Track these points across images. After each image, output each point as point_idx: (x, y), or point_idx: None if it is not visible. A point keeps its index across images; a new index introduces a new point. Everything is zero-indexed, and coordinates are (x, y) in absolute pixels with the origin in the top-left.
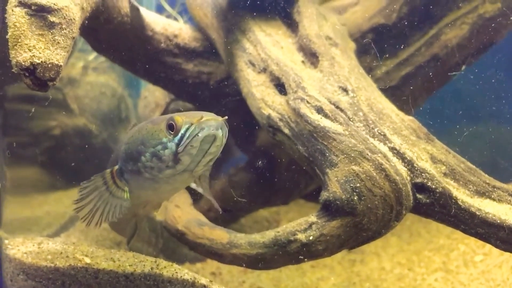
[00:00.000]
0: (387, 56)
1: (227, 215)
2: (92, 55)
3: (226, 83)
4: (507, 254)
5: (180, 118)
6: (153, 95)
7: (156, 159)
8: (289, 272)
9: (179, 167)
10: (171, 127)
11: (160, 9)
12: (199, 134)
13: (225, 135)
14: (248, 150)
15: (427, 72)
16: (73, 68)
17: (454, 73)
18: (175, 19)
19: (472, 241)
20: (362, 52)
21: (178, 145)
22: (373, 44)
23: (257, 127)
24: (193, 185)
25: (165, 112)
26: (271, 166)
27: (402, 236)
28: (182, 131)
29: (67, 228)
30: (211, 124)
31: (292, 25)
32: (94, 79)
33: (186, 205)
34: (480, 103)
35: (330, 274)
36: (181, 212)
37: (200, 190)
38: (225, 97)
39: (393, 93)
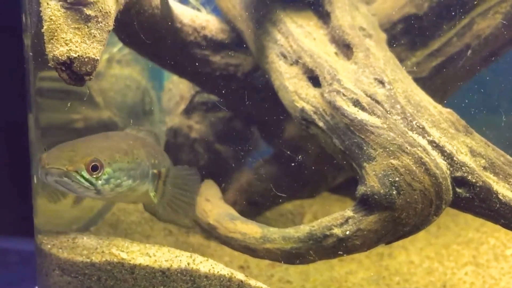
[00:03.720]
0: (418, 46)
1: (252, 208)
2: (116, 47)
3: (253, 75)
4: None
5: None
6: (177, 87)
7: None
8: (317, 266)
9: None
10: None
11: (183, 1)
12: (47, 178)
13: (79, 181)
14: (275, 143)
15: (459, 63)
16: None
17: None
18: (198, 10)
19: (502, 235)
20: (393, 43)
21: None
22: (404, 35)
23: (283, 120)
24: (152, 194)
25: (190, 104)
26: (295, 158)
27: (429, 230)
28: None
29: (96, 222)
30: (53, 173)
31: (323, 15)
32: (119, 71)
33: (216, 199)
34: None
35: (358, 268)
36: (211, 206)
37: (155, 200)
38: (253, 89)
39: (424, 84)
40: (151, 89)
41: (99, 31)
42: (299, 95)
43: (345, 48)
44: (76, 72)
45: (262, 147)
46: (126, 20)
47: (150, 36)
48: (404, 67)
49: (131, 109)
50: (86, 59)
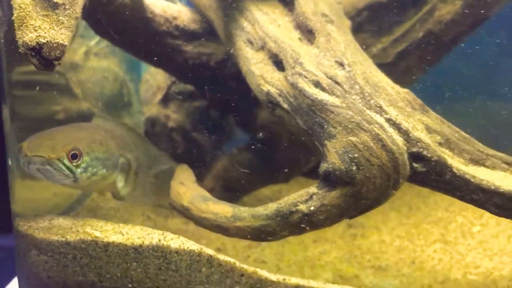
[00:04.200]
0: (383, 33)
1: (229, 194)
2: (94, 41)
3: (226, 63)
4: (504, 224)
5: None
6: (154, 78)
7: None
8: (292, 247)
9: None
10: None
11: None
12: (29, 167)
13: (61, 168)
14: (249, 130)
15: (422, 48)
16: (75, 53)
17: None
18: (173, 1)
19: (470, 213)
20: (358, 30)
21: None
22: (369, 22)
23: (256, 107)
24: (120, 185)
25: (167, 94)
26: (271, 144)
27: (401, 211)
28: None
29: (75, 208)
30: (35, 161)
31: (288, 3)
32: (96, 64)
33: (190, 182)
34: (479, 80)
35: (331, 248)
36: (185, 189)
37: (124, 191)
38: (226, 77)
39: (389, 69)
40: (129, 81)
41: (66, 18)
42: (265, 79)
43: (308, 33)
44: (45, 57)
45: (239, 134)
46: (98, 9)
47: (121, 26)
48: (370, 53)
49: (110, 100)
50: (54, 45)
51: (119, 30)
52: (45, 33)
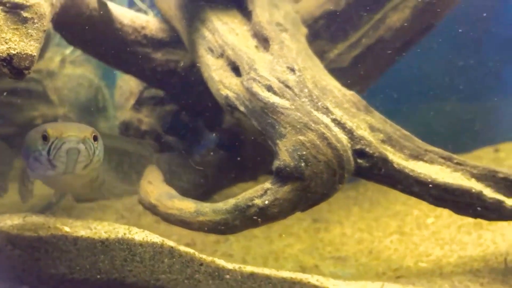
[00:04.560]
0: (338, 39)
1: (200, 193)
2: (69, 49)
3: (193, 70)
4: (455, 216)
5: (51, 131)
6: (127, 84)
7: (38, 162)
8: (258, 241)
9: (57, 170)
10: (45, 138)
11: (131, 4)
12: (63, 147)
13: (90, 148)
14: (217, 132)
15: (376, 53)
16: (51, 61)
17: None
18: (145, 12)
19: (425, 207)
20: (316, 37)
21: (49, 153)
22: (325, 29)
23: (222, 110)
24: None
25: (139, 99)
26: (238, 145)
27: (363, 206)
28: (50, 143)
29: (51, 208)
30: (72, 139)
31: (247, 13)
32: (72, 71)
33: (157, 181)
34: (443, 82)
35: (296, 241)
36: (153, 187)
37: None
38: (193, 83)
39: (346, 73)
40: (103, 87)
41: (35, 31)
42: (224, 84)
43: (264, 41)
44: (16, 67)
45: (209, 136)
46: (67, 21)
47: (91, 36)
48: (327, 58)
49: (85, 106)
50: (24, 55)
51: (89, 40)
52: (15, 45)
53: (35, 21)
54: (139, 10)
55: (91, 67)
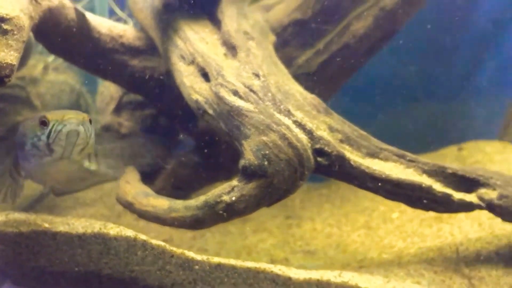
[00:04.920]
0: (306, 46)
1: (178, 193)
2: (52, 57)
3: (168, 75)
4: (419, 210)
5: (50, 116)
6: (108, 90)
7: (35, 148)
8: (232, 237)
9: (55, 155)
10: (43, 123)
11: (112, 13)
12: (63, 130)
13: (89, 130)
14: (192, 134)
15: (341, 59)
16: (34, 69)
17: None
18: (125, 21)
19: (391, 202)
20: (285, 44)
21: (48, 137)
22: (294, 36)
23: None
24: (86, 164)
25: (119, 104)
26: (212, 146)
27: (334, 203)
28: (50, 127)
29: (34, 207)
30: (72, 121)
31: (217, 23)
32: (54, 78)
33: (134, 181)
34: (416, 85)
35: (268, 237)
36: (130, 187)
37: (93, 167)
38: (168, 88)
39: (314, 77)
40: (85, 92)
41: (15, 42)
42: (194, 89)
43: (232, 49)
44: None
45: (185, 138)
46: (46, 31)
47: (69, 45)
48: (296, 64)
49: None
50: (4, 64)
51: (68, 49)
52: None
53: (15, 32)
54: (119, 19)
55: (73, 74)
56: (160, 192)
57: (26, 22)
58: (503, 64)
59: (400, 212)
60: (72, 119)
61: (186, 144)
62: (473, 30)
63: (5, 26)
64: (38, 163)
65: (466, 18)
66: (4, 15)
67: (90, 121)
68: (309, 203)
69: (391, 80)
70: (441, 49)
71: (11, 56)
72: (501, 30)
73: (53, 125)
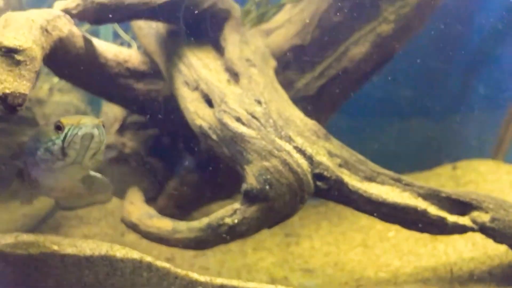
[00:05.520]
0: (305, 70)
1: (180, 211)
2: (57, 78)
3: (172, 98)
4: None
5: (65, 120)
6: (112, 110)
7: (49, 153)
8: (233, 255)
9: (68, 160)
10: (58, 128)
11: (116, 35)
12: (79, 133)
13: (102, 134)
14: (194, 154)
15: (339, 82)
16: (40, 89)
17: None
18: (129, 44)
19: None
20: (285, 68)
21: (64, 141)
22: (294, 61)
23: None
24: (92, 173)
25: (123, 124)
26: (214, 165)
27: (332, 220)
28: (65, 131)
29: (40, 227)
30: (88, 125)
31: (220, 49)
32: (59, 98)
33: (139, 202)
34: (412, 102)
35: (268, 255)
36: (134, 207)
37: (99, 175)
38: (172, 110)
39: (312, 101)
40: (90, 112)
41: (27, 72)
42: (198, 115)
43: (234, 75)
44: (10, 104)
45: (188, 158)
46: (56, 59)
47: (77, 71)
48: (295, 88)
49: None
50: (17, 94)
51: (76, 74)
52: (10, 85)
53: (28, 63)
54: (123, 41)
55: (78, 94)
56: (162, 210)
57: (38, 53)
58: (497, 82)
59: (396, 230)
60: (88, 123)
61: (188, 163)
62: (467, 48)
63: (18, 57)
64: (49, 168)
65: (459, 36)
66: (18, 47)
67: (104, 125)
68: (307, 220)
69: (386, 96)
70: (440, 65)
71: (23, 86)
72: (495, 48)
73: (69, 129)
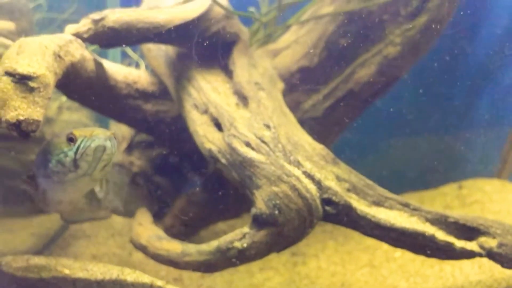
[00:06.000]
0: (313, 92)
1: (187, 229)
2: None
3: (180, 119)
4: None
5: (77, 132)
6: (120, 129)
7: (60, 165)
8: (240, 275)
9: (79, 172)
10: (71, 140)
11: (124, 54)
12: (92, 145)
13: (114, 146)
14: (202, 174)
15: (346, 104)
16: (49, 108)
17: None
18: (137, 64)
19: None
20: (292, 89)
21: (76, 153)
22: (301, 82)
23: None
24: (97, 189)
25: (131, 143)
26: (221, 185)
27: (338, 240)
28: (78, 143)
29: (49, 247)
30: (100, 137)
31: (229, 72)
32: (68, 117)
33: (147, 223)
34: (417, 121)
35: (275, 275)
36: (143, 229)
37: (101, 195)
38: (180, 130)
39: (319, 121)
40: None
41: (41, 99)
42: (207, 138)
43: (243, 99)
44: (24, 130)
45: (195, 177)
46: (67, 83)
47: (88, 93)
48: (302, 109)
49: None
50: (31, 121)
51: (86, 96)
52: (23, 111)
53: (41, 90)
54: (131, 62)
55: (87, 113)
56: (169, 229)
57: (51, 79)
58: (501, 101)
59: (402, 251)
60: (100, 135)
61: (195, 182)
62: (472, 66)
63: (32, 84)
64: (60, 180)
65: (464, 54)
66: (32, 74)
67: (115, 137)
68: (313, 239)
69: (391, 117)
70: (444, 82)
71: (37, 113)
72: (500, 66)
73: (82, 141)
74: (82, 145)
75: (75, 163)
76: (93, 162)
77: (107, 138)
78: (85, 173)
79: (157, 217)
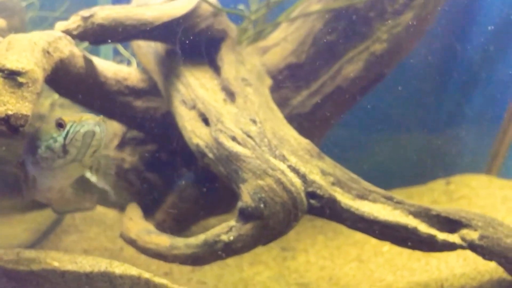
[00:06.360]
0: (301, 88)
1: (178, 225)
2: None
3: (169, 115)
4: None
5: (67, 118)
6: (111, 126)
7: (50, 151)
8: (230, 269)
9: (69, 157)
10: (60, 125)
11: (116, 52)
12: (81, 130)
13: (104, 131)
14: (192, 169)
15: (334, 100)
16: (42, 106)
17: None
18: (129, 61)
19: None
20: (280, 85)
21: (65, 139)
22: (289, 79)
23: None
24: (88, 175)
25: (122, 140)
26: (212, 181)
27: (327, 235)
28: (67, 128)
29: (41, 242)
30: (89, 122)
31: (217, 69)
32: (60, 114)
33: (137, 218)
34: (406, 117)
35: (264, 269)
36: (133, 224)
37: (93, 179)
38: (169, 126)
39: (307, 117)
40: None
41: (29, 94)
42: (195, 133)
43: (230, 95)
44: (12, 125)
45: (186, 173)
46: (57, 79)
47: (78, 90)
48: (291, 105)
49: None
50: (20, 115)
51: (76, 93)
52: (12, 106)
53: (30, 85)
54: (123, 59)
55: (79, 110)
56: (160, 224)
57: (40, 75)
58: (490, 97)
59: (390, 245)
60: (89, 120)
61: (186, 178)
62: (461, 62)
63: (20, 79)
64: (49, 166)
65: (453, 51)
66: (20, 69)
67: (104, 122)
68: (303, 234)
69: (379, 109)
70: (435, 79)
71: (26, 108)
72: (489, 63)
73: (71, 126)
74: (71, 130)
75: (64, 148)
76: (82, 147)
77: (96, 124)
78: (74, 159)
79: (149, 213)
